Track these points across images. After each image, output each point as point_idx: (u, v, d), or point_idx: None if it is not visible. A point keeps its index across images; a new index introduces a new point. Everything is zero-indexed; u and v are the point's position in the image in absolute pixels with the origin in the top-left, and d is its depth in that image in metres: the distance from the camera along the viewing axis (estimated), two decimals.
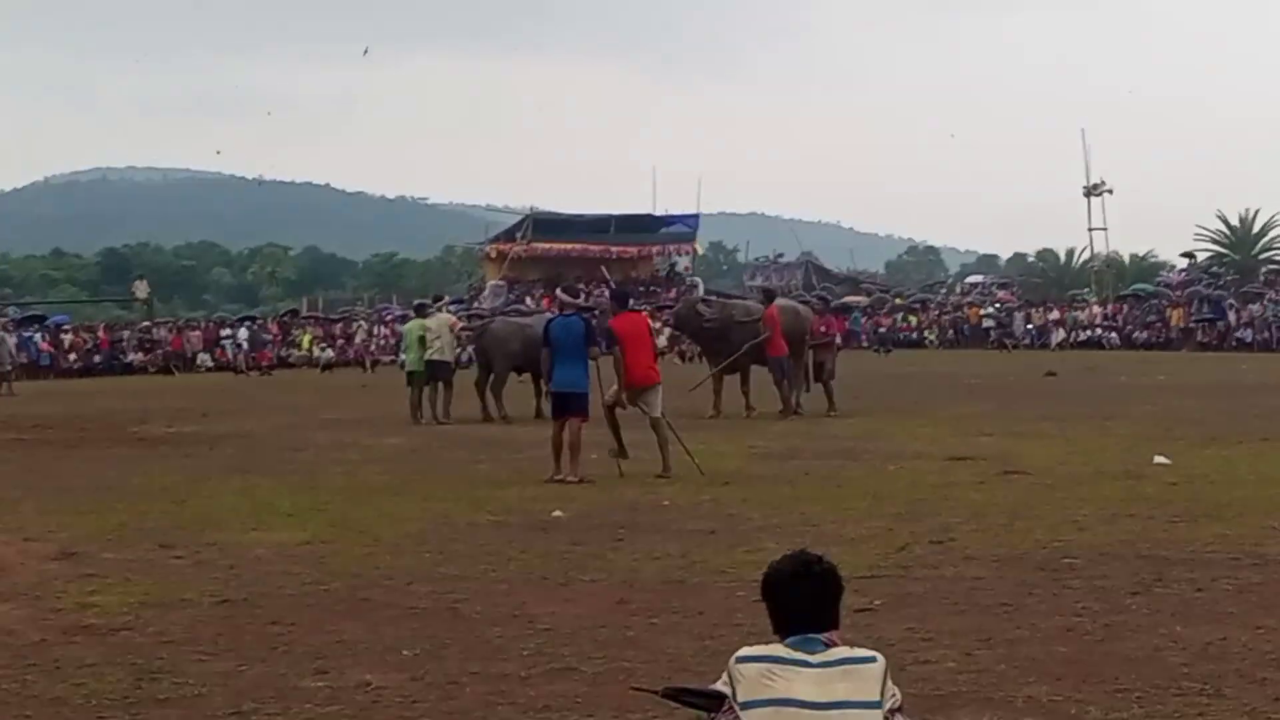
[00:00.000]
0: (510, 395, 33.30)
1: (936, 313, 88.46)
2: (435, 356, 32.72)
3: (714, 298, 39.51)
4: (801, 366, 32.44)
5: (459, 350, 34.79)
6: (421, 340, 32.78)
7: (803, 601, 5.40)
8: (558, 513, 17.03)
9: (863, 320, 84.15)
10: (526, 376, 32.96)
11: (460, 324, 36.91)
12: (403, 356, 34.40)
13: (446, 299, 56.26)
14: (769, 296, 34.20)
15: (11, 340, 59.29)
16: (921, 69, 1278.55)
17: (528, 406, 32.25)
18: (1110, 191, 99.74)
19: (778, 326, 31.70)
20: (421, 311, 34.70)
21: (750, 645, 5.48)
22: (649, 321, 24.76)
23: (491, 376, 33.03)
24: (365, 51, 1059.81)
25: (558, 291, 24.46)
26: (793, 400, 31.79)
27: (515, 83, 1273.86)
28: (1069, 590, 12.15)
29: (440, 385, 32.83)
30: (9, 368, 53.77)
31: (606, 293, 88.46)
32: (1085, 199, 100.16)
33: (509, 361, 33.21)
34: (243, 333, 74.41)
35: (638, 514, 17.04)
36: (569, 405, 20.87)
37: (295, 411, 34.46)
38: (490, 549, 14.72)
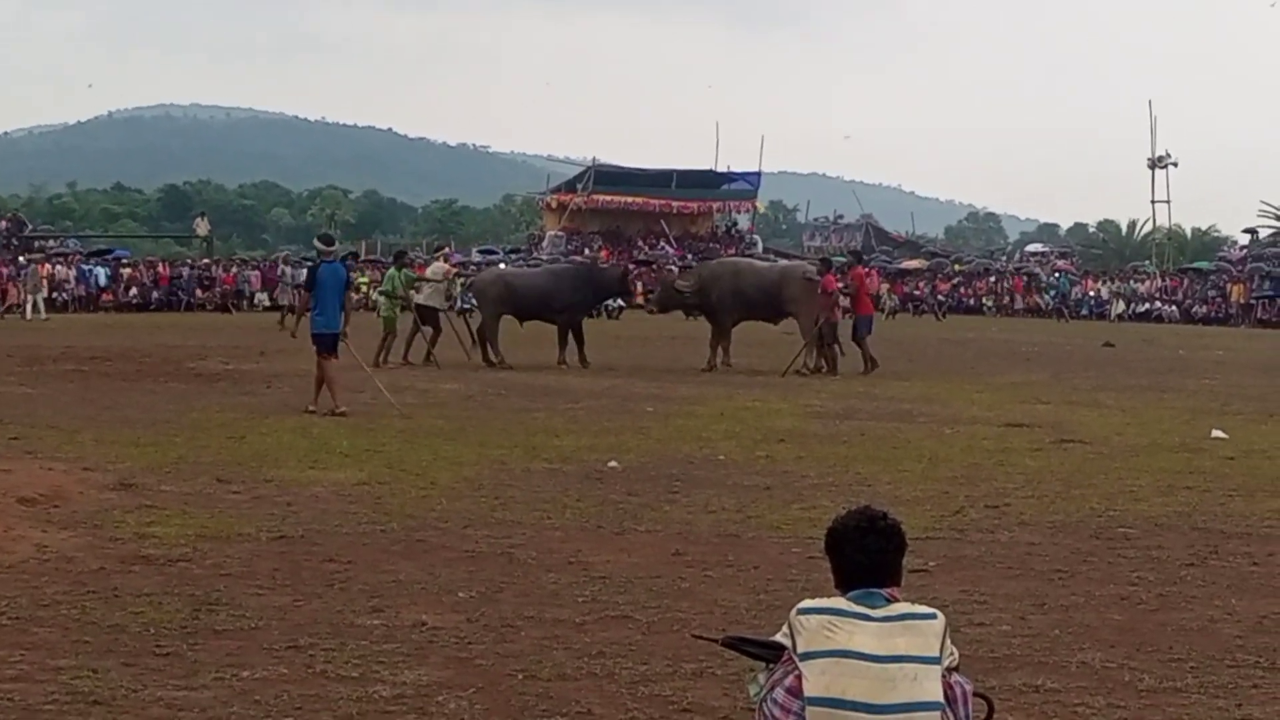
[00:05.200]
0: (538, 341, 34.18)
1: (995, 280, 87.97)
2: (423, 301, 33.84)
3: (771, 257, 39.71)
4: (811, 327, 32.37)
5: (454, 299, 35.43)
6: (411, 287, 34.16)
7: (866, 556, 5.41)
8: (613, 463, 17.08)
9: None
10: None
11: (454, 270, 37.67)
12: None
13: (445, 248, 57.36)
14: (826, 265, 34.54)
15: (289, 271, 61.17)
16: (988, 36, 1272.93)
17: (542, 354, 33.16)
18: (1175, 164, 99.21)
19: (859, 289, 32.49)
20: (400, 261, 35.73)
21: (812, 598, 5.49)
22: None
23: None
24: None
25: (315, 240, 24.88)
26: (804, 361, 31.97)
27: (582, 34, 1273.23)
28: (1124, 559, 12.14)
29: (430, 329, 33.73)
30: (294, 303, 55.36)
31: (665, 247, 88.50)
32: (1150, 171, 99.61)
33: (493, 308, 33.96)
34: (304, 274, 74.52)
35: (693, 467, 17.07)
36: (325, 344, 22.47)
37: (349, 354, 34.56)
38: (546, 496, 14.79)
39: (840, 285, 32.91)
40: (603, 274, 38.70)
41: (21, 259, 64.07)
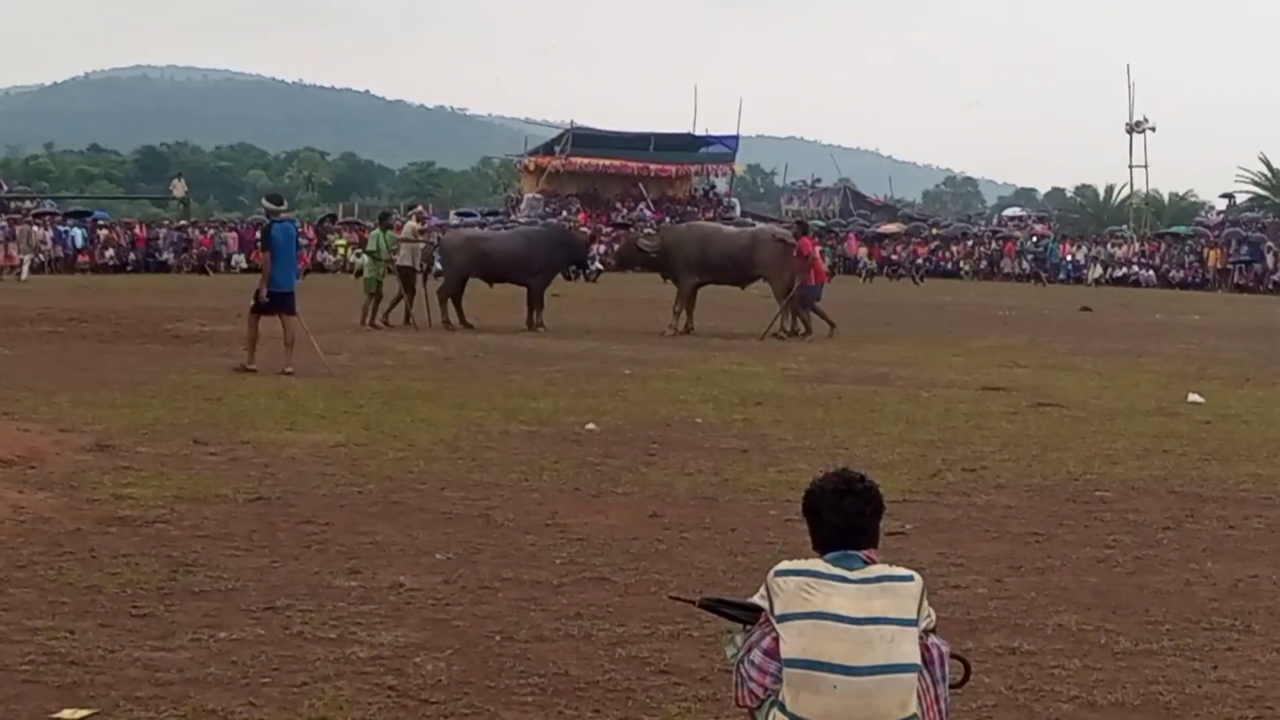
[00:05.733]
0: (506, 303, 34.39)
1: (972, 244, 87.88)
2: (402, 262, 34.06)
3: (750, 221, 39.73)
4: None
5: (429, 261, 35.41)
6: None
7: (843, 518, 5.39)
8: (591, 425, 17.08)
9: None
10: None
11: (422, 229, 37.73)
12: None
13: (419, 208, 57.36)
14: (803, 228, 34.83)
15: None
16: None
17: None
18: (1153, 129, 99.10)
19: (814, 255, 32.71)
20: (385, 222, 35.64)
21: (789, 560, 5.49)
22: None
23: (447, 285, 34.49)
24: None
25: (264, 200, 24.99)
26: (781, 324, 32.02)
27: None
28: (1100, 523, 12.18)
29: (405, 290, 33.92)
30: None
31: (644, 210, 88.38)
32: (1127, 136, 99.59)
33: (460, 271, 34.10)
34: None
35: (670, 430, 17.08)
36: (284, 303, 22.78)
37: (329, 315, 34.54)
38: (523, 458, 14.79)
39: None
40: (574, 237, 38.91)
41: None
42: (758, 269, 32.75)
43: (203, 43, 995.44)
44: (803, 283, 31.96)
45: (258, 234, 29.70)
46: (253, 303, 23.06)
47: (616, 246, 55.83)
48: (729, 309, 35.44)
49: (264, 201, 24.87)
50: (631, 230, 56.69)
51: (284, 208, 24.46)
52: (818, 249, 33.81)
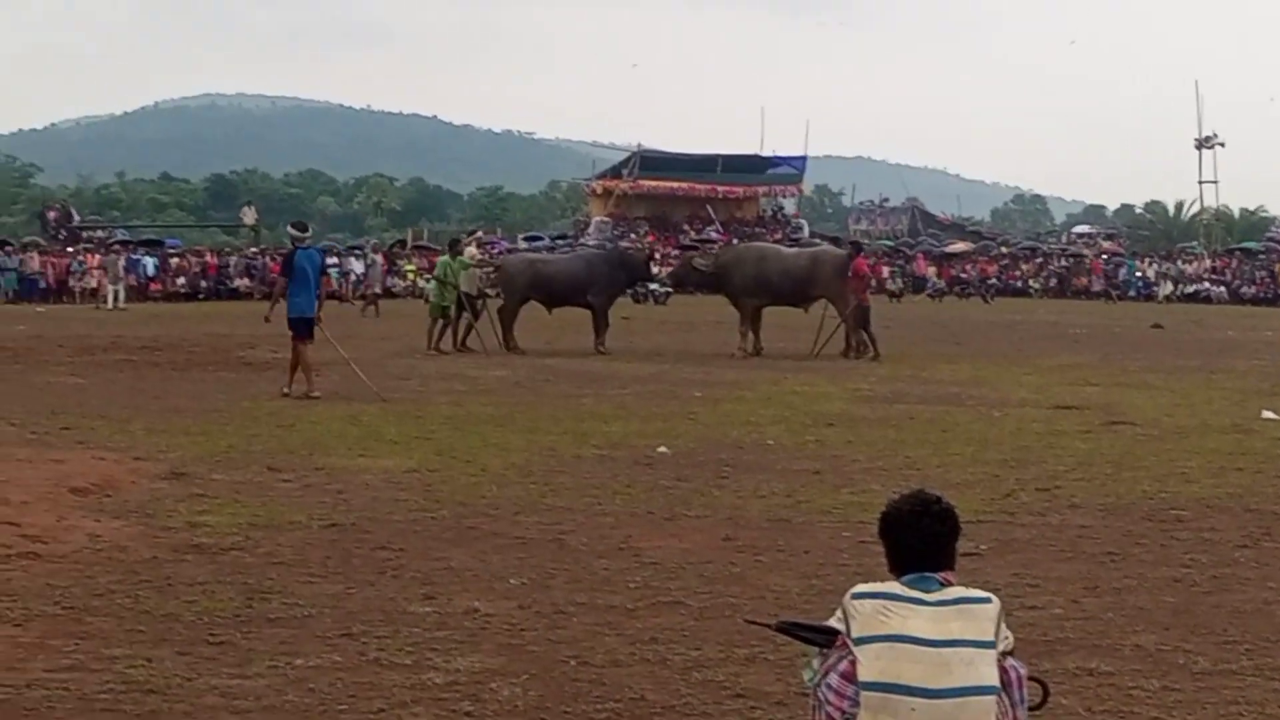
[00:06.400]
0: (575, 327, 34.85)
1: (1041, 261, 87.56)
2: (464, 288, 33.94)
3: (817, 242, 39.91)
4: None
5: (482, 284, 35.47)
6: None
7: (920, 540, 5.37)
8: (663, 448, 17.07)
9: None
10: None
11: (478, 256, 37.89)
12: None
13: (480, 234, 57.92)
14: (857, 248, 35.22)
15: (379, 261, 65.94)
16: (1033, 17, 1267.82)
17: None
18: (1222, 145, 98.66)
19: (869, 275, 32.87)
20: (455, 249, 35.58)
21: (866, 583, 5.47)
22: None
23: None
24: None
25: (288, 228, 25.11)
26: (854, 342, 32.09)
27: (627, 19, 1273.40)
28: (1176, 541, 12.10)
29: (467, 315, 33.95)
30: (377, 290, 58.33)
31: (711, 232, 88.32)
32: (1196, 151, 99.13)
33: (515, 295, 34.32)
34: (357, 264, 73.80)
35: (742, 452, 17.06)
36: (302, 329, 22.97)
37: (399, 340, 34.64)
38: (595, 482, 14.79)
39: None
40: (632, 258, 39.10)
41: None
42: (819, 289, 32.74)
43: (271, 70, 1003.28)
44: (859, 302, 32.01)
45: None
46: (290, 332, 23.26)
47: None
48: (802, 330, 35.34)
49: (289, 229, 25.08)
50: (697, 251, 56.92)
51: (309, 235, 24.64)
52: (886, 270, 33.77)
